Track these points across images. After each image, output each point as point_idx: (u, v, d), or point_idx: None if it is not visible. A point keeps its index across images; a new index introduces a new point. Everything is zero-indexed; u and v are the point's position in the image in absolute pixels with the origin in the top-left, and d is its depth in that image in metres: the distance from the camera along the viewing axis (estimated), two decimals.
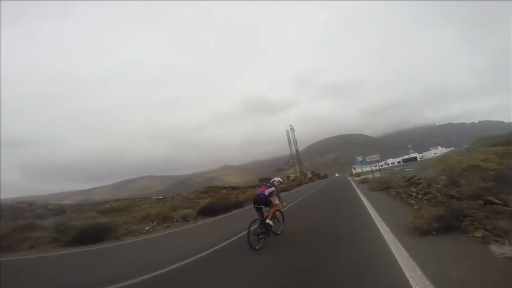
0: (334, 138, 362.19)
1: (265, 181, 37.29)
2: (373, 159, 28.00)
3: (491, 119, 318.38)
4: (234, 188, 60.48)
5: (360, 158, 31.80)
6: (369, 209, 8.58)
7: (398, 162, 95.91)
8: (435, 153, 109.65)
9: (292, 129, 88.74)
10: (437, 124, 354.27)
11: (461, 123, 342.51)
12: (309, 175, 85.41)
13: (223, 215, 15.06)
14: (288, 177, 78.73)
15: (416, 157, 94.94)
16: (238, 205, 18.96)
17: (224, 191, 57.65)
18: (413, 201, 8.53)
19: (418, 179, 12.95)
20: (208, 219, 14.04)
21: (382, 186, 14.17)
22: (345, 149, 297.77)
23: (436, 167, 12.58)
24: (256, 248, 5.42)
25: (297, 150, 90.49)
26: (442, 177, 10.59)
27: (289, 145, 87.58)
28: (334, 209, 10.43)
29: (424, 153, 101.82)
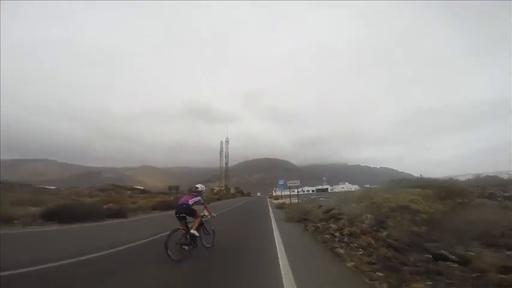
0: (263, 160, 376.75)
1: (175, 189, 31.85)
2: (293, 184, 26.81)
3: (388, 166, 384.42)
4: (143, 192, 52.34)
5: (281, 182, 30.52)
6: (279, 256, 5.47)
7: (313, 191, 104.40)
8: (342, 188, 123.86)
9: (227, 141, 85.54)
10: (349, 164, 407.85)
11: (367, 166, 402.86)
12: (232, 191, 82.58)
13: (85, 224, 11.63)
14: (212, 189, 74.39)
15: (327, 188, 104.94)
16: (119, 214, 14.14)
17: (129, 192, 49.24)
18: (341, 250, 5.86)
19: (339, 213, 11.08)
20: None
21: (299, 216, 11.84)
22: (271, 171, 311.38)
23: (359, 202, 10.97)
24: (177, 259, 4.90)
25: (226, 164, 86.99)
26: (368, 216, 8.69)
27: (220, 157, 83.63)
28: (236, 244, 7.06)
29: (334, 186, 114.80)
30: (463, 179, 19.46)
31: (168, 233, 5.23)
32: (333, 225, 9.10)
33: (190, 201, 5.75)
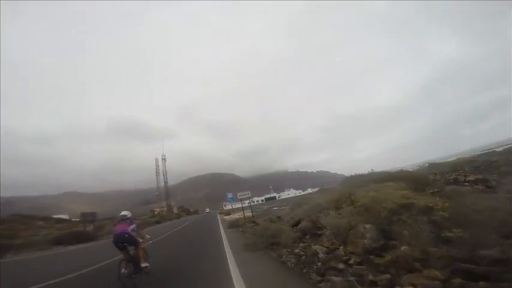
0: (208, 175, 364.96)
1: (90, 216, 25.34)
2: (244, 196, 23.48)
3: (323, 169, 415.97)
4: (61, 221, 42.54)
5: (230, 195, 26.89)
6: None
7: (262, 200, 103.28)
8: (288, 194, 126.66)
9: (164, 159, 77.15)
10: (289, 171, 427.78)
11: (305, 171, 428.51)
12: (176, 210, 74.20)
13: None
14: (153, 211, 65.54)
15: (275, 196, 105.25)
16: None
17: (41, 223, 38.68)
18: None
19: (314, 226, 8.17)
20: None
21: (264, 240, 7.83)
22: (217, 186, 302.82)
23: (337, 208, 8.27)
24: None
25: (166, 182, 78.24)
26: (366, 226, 5.95)
27: (157, 175, 74.56)
28: None
29: (280, 194, 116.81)
30: (409, 169, 19.27)
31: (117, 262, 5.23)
32: (317, 247, 6.12)
33: (130, 229, 5.49)
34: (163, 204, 69.51)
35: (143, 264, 5.48)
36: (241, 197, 23.05)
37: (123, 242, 5.33)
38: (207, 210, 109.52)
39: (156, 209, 66.40)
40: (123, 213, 5.99)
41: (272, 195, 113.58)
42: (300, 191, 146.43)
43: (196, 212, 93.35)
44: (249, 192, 24.23)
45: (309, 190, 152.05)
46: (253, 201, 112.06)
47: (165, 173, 77.02)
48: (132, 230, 5.56)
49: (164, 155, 77.60)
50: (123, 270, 5.15)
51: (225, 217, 29.51)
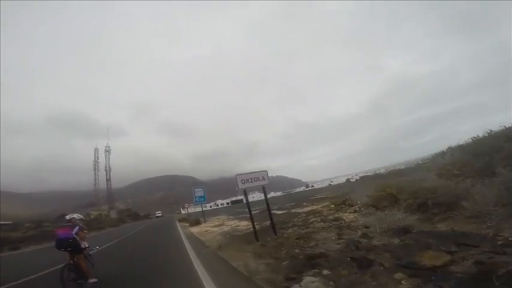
0: (165, 177, 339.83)
1: None
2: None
3: (282, 174, 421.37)
4: None
5: (199, 192, 19.52)
6: None
7: (227, 203, 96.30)
8: (253, 197, 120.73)
9: (107, 151, 64.23)
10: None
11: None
12: (114, 215, 59.74)
13: None
14: (89, 214, 53.05)
15: (242, 199, 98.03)
16: None
17: None
18: None
19: None
20: None
21: None
22: (174, 188, 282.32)
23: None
24: None
25: (108, 180, 65.27)
26: None
27: (95, 170, 61.23)
28: None
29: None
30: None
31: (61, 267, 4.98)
32: None
33: (74, 233, 5.15)
34: (104, 207, 56.20)
35: (91, 280, 5.17)
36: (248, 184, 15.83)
37: (68, 247, 5.09)
38: (158, 213, 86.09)
39: (92, 213, 53.65)
40: (68, 216, 5.63)
41: (239, 197, 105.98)
42: (262, 194, 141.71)
43: (147, 216, 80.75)
44: (265, 174, 17.39)
45: (272, 194, 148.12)
46: (217, 205, 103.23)
47: (108, 169, 64.06)
48: (76, 234, 5.21)
49: (108, 146, 64.94)
50: (67, 275, 4.89)
51: (192, 229, 15.82)
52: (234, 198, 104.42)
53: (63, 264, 5.07)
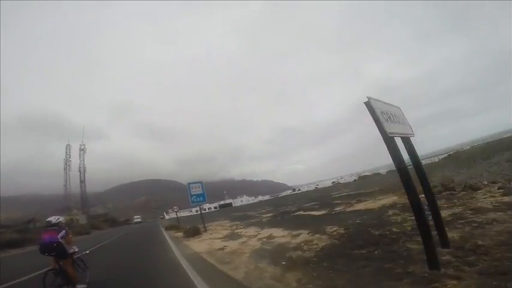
0: (147, 181, 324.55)
1: None
2: None
3: (268, 179, 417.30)
4: None
5: (196, 188, 14.32)
6: None
7: (215, 207, 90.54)
8: (241, 201, 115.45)
9: (82, 149, 56.93)
10: (236, 179, 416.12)
11: (251, 180, 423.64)
12: (84, 220, 50.50)
13: None
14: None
15: (231, 203, 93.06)
16: None
17: None
18: None
19: None
20: None
21: None
22: (158, 193, 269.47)
23: None
24: None
25: (83, 181, 57.72)
26: None
27: (66, 170, 53.69)
28: None
29: (232, 201, 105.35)
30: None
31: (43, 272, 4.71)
32: None
33: (59, 237, 4.82)
34: (78, 211, 48.59)
35: (79, 286, 4.89)
36: None
37: (51, 251, 4.74)
38: (137, 218, 72.17)
39: (65, 217, 46.11)
40: (50, 219, 5.18)
41: (227, 201, 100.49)
42: (253, 198, 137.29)
43: (127, 221, 72.66)
44: None
45: (260, 197, 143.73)
46: (204, 209, 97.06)
47: (82, 169, 56.63)
48: (62, 238, 4.90)
49: (84, 145, 57.62)
50: (52, 281, 4.59)
51: (201, 248, 8.74)
52: (222, 202, 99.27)
53: (45, 270, 4.84)
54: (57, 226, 5.05)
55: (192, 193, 13.97)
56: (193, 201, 13.94)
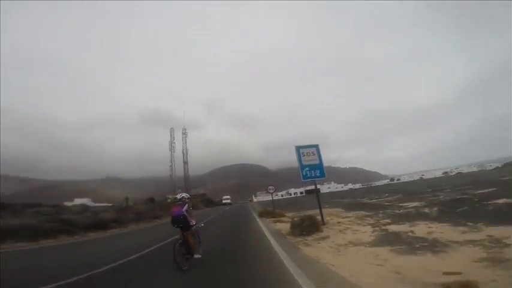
0: (238, 166, 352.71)
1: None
2: None
3: (357, 166, 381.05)
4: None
5: (310, 156, 8.94)
6: None
7: (301, 193, 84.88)
8: (329, 188, 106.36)
9: (184, 133, 62.03)
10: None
11: (338, 167, 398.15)
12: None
13: None
14: (167, 198, 51.07)
15: (319, 189, 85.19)
16: None
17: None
18: None
19: None
20: None
21: None
22: (246, 177, 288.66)
23: None
24: (184, 268, 4.91)
25: (185, 162, 63.16)
26: None
27: (171, 151, 59.42)
28: None
29: (320, 187, 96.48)
30: None
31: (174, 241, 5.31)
32: None
33: (184, 211, 5.45)
34: (178, 191, 52.93)
35: (196, 256, 5.46)
36: None
37: (179, 223, 5.38)
38: (226, 199, 64.76)
39: (169, 197, 51.35)
40: (179, 195, 6.00)
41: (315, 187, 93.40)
42: (342, 185, 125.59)
43: (220, 202, 76.25)
44: None
45: (350, 185, 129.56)
46: (290, 194, 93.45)
47: (185, 150, 61.89)
48: (186, 211, 5.48)
49: (185, 129, 62.70)
50: (177, 250, 5.14)
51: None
52: (308, 188, 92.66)
53: (175, 239, 5.47)
54: (182, 201, 5.66)
55: (304, 163, 8.83)
56: (305, 177, 8.83)
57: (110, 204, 42.31)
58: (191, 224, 5.46)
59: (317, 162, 8.87)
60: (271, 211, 15.87)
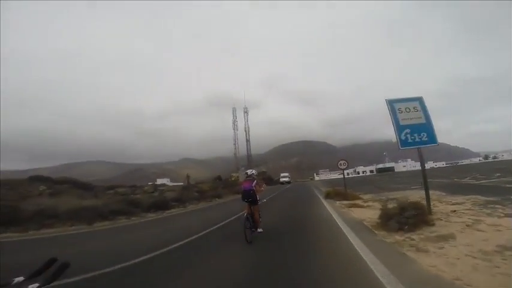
0: (298, 143, 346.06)
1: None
2: None
3: (440, 141, 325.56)
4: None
5: (412, 117, 6.09)
6: None
7: (371, 171, 76.55)
8: (404, 166, 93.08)
9: (246, 112, 62.30)
10: (393, 141, 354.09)
11: None
12: (242, 178, 54.13)
13: None
14: (231, 176, 52.92)
15: (393, 167, 75.35)
16: None
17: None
18: None
19: None
20: None
21: None
22: (309, 154, 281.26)
23: None
24: (249, 240, 5.25)
25: (248, 140, 63.94)
26: None
27: (234, 129, 60.36)
28: None
29: (395, 164, 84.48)
30: None
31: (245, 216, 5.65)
32: None
33: (253, 186, 5.78)
34: (239, 170, 53.82)
35: (259, 230, 5.88)
36: None
37: (248, 197, 5.71)
38: (284, 177, 56.45)
39: (233, 174, 52.96)
40: (248, 171, 6.41)
41: (388, 165, 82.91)
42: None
43: (278, 181, 73.78)
44: None
45: (431, 163, 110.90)
46: (358, 172, 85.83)
47: (247, 128, 62.39)
48: (254, 186, 5.79)
49: (246, 108, 62.86)
50: (246, 223, 5.45)
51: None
52: (381, 165, 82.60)
53: (245, 213, 5.75)
54: (251, 177, 6.05)
55: (402, 123, 6.06)
56: (404, 143, 5.91)
57: (181, 183, 46.52)
58: (258, 199, 5.85)
59: (423, 121, 5.97)
60: (341, 192, 13.27)
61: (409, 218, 4.75)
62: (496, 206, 6.36)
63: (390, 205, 5.66)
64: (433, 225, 4.97)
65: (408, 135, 6.03)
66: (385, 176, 40.94)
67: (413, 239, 4.37)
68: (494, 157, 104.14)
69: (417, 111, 6.05)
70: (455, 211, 6.08)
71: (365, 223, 6.25)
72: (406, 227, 4.72)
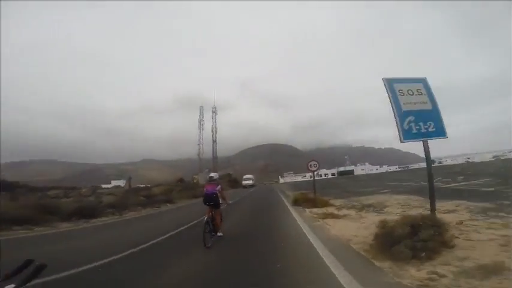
0: (267, 146, 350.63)
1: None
2: None
3: (393, 147, 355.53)
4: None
5: (418, 102, 4.57)
6: None
7: (333, 174, 78.77)
8: (362, 170, 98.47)
9: (214, 112, 59.69)
10: (353, 146, 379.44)
11: (372, 147, 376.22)
12: (202, 181, 47.93)
13: None
14: (193, 178, 49.80)
15: (353, 170, 78.61)
16: None
17: None
18: None
19: None
20: None
21: None
22: (275, 157, 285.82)
23: None
24: (208, 245, 5.19)
25: (214, 141, 61.18)
26: None
27: (200, 129, 57.40)
28: None
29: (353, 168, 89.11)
30: None
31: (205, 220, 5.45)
32: None
33: (217, 190, 5.78)
34: (200, 172, 50.79)
35: (218, 234, 5.84)
36: None
37: (210, 201, 5.66)
38: (247, 179, 52.61)
39: (195, 177, 49.87)
40: (211, 174, 6.32)
41: (348, 168, 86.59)
42: (378, 167, 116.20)
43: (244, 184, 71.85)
44: None
45: (386, 167, 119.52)
46: (320, 175, 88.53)
47: (214, 129, 59.83)
48: (218, 191, 5.78)
49: (215, 107, 60.37)
50: (206, 227, 5.35)
51: None
52: (342, 169, 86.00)
53: (205, 218, 5.52)
54: (215, 181, 5.99)
55: (405, 108, 4.58)
56: (407, 134, 4.49)
57: (145, 185, 41.56)
58: (221, 203, 5.84)
59: (429, 107, 4.60)
60: (310, 197, 11.76)
61: (427, 241, 3.22)
62: (500, 213, 5.34)
63: (395, 220, 3.94)
64: (453, 246, 3.50)
65: (412, 124, 4.53)
66: (348, 179, 41.73)
67: (443, 276, 2.78)
68: (440, 162, 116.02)
69: (421, 94, 4.68)
70: (462, 222, 4.84)
71: (353, 245, 4.47)
72: (424, 254, 3.16)
